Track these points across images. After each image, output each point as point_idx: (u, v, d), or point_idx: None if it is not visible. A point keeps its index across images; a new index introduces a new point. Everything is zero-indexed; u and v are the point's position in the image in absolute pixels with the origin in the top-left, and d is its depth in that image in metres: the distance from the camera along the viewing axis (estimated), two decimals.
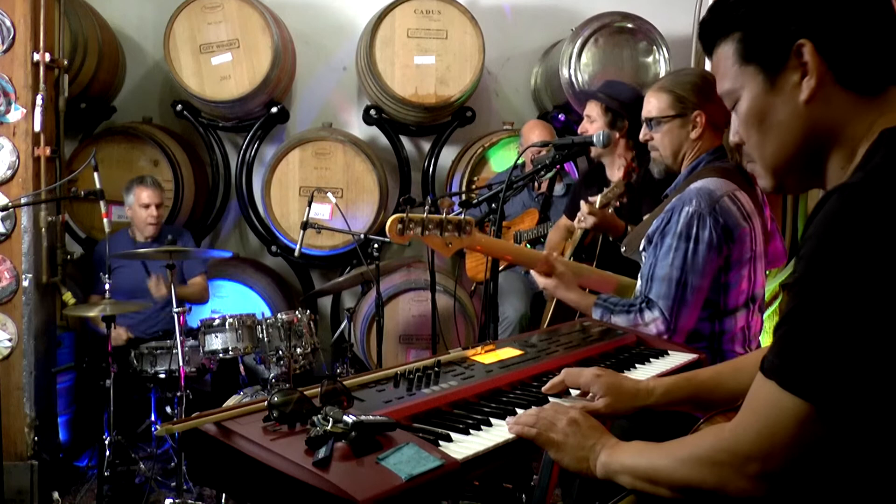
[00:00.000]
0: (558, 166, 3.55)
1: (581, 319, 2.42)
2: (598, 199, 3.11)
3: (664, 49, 4.69)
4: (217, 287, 4.77)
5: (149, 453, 4.01)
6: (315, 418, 1.26)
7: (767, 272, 2.63)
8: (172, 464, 3.97)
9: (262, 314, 4.12)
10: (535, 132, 4.43)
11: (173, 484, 3.72)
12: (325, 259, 5.10)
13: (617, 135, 3.37)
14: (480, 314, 3.97)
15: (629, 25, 4.72)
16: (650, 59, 4.73)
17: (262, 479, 1.21)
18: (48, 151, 3.78)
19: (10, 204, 3.62)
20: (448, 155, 5.31)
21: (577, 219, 3.16)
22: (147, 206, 4.35)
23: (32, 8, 3.71)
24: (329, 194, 4.30)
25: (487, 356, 1.84)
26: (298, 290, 5.33)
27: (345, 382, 1.46)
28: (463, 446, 1.33)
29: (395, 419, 1.30)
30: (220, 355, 3.76)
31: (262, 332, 3.77)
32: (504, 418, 1.46)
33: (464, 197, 4.79)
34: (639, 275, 2.44)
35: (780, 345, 1.06)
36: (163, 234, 4.23)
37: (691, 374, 1.66)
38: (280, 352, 3.77)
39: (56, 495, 3.75)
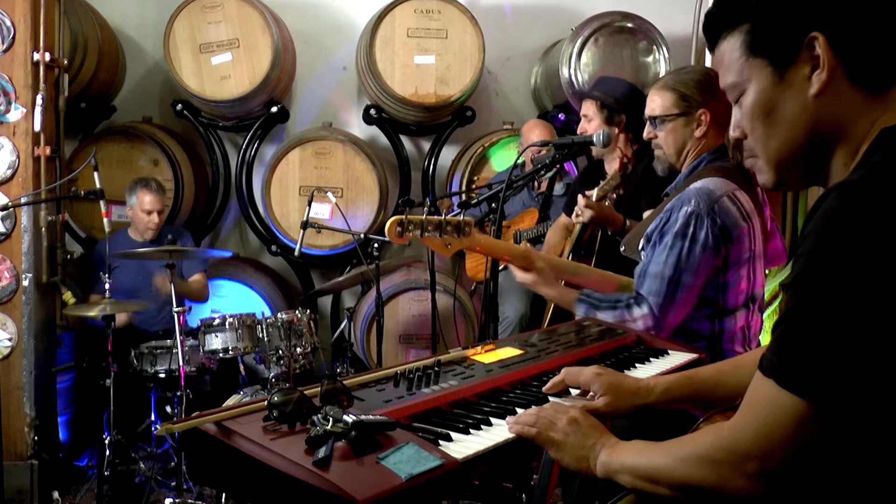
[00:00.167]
0: (558, 166, 3.55)
1: (581, 319, 2.42)
2: (594, 193, 3.11)
3: (664, 49, 4.69)
4: (217, 286, 4.77)
5: (149, 453, 4.01)
6: (315, 418, 1.26)
7: (767, 271, 2.63)
8: (172, 463, 3.97)
9: (262, 314, 4.12)
10: (536, 131, 4.43)
11: (173, 483, 3.72)
12: (325, 259, 5.10)
13: (616, 130, 3.37)
14: (480, 314, 3.98)
15: (629, 25, 4.72)
16: (650, 59, 4.73)
17: (262, 479, 1.21)
18: (48, 151, 3.78)
19: (10, 203, 3.62)
20: (448, 154, 5.31)
21: (574, 213, 3.16)
22: (149, 213, 4.35)
23: (32, 7, 3.71)
24: (329, 194, 4.30)
25: (487, 356, 1.84)
26: (298, 289, 5.33)
27: (345, 382, 1.46)
28: (463, 446, 1.33)
29: (395, 419, 1.30)
30: (220, 355, 3.76)
31: (262, 332, 3.77)
32: (504, 418, 1.46)
33: (463, 197, 4.81)
34: (635, 272, 2.44)
35: (778, 343, 1.06)
36: (163, 234, 4.23)
37: (691, 372, 1.66)
38: (280, 351, 3.77)
39: (56, 495, 3.75)
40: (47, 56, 3.75)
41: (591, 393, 1.58)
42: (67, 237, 4.37)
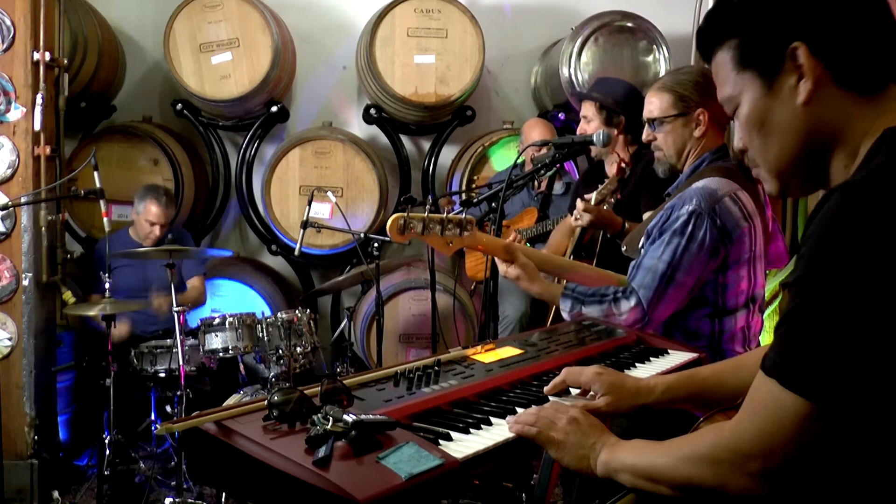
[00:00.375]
0: (558, 165, 3.55)
1: (581, 318, 2.41)
2: (593, 196, 3.12)
3: (664, 48, 4.69)
4: (217, 286, 4.77)
5: (149, 452, 4.01)
6: (315, 417, 1.26)
7: (768, 272, 2.63)
8: (172, 463, 3.97)
9: (262, 313, 4.12)
10: (536, 131, 4.43)
11: (173, 483, 3.72)
12: (324, 258, 5.10)
13: (615, 131, 3.37)
14: (480, 313, 3.97)
15: (629, 24, 4.72)
16: (650, 59, 4.73)
17: (263, 478, 1.20)
18: (48, 150, 3.78)
19: (10, 203, 3.62)
20: (448, 154, 5.31)
21: (573, 217, 3.16)
22: (152, 224, 4.34)
23: (32, 7, 3.71)
24: (329, 193, 4.30)
25: (487, 355, 1.84)
26: (298, 289, 5.33)
27: (345, 381, 1.45)
28: (463, 445, 1.33)
29: (395, 418, 1.30)
30: (220, 354, 3.76)
31: (262, 332, 3.78)
32: (504, 417, 1.46)
33: (464, 196, 4.81)
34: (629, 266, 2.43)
35: (780, 343, 1.06)
36: (161, 240, 4.24)
37: (692, 372, 1.66)
38: (280, 351, 3.77)
39: (56, 494, 3.75)
40: (47, 55, 3.76)
41: (591, 392, 1.58)
42: (67, 237, 4.37)
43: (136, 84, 5.31)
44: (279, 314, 3.86)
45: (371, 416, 1.28)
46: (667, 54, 4.68)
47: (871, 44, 1.14)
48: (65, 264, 3.99)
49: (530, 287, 2.40)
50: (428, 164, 5.30)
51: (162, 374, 3.95)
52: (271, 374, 3.78)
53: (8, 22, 3.69)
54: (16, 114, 3.73)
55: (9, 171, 3.72)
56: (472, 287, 4.79)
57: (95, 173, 3.48)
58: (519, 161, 4.01)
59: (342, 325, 4.41)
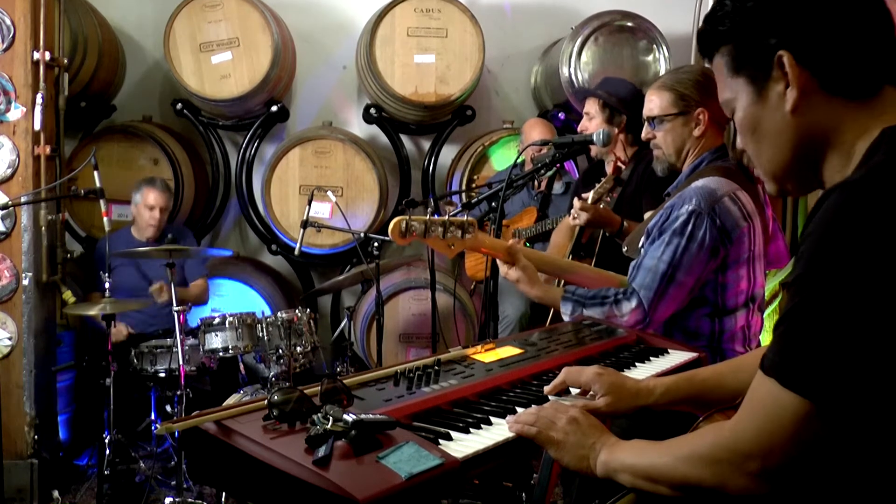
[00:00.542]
0: (558, 165, 3.55)
1: (581, 318, 2.41)
2: (590, 195, 3.13)
3: (664, 48, 4.69)
4: (217, 286, 4.78)
5: (149, 452, 4.01)
6: (315, 417, 1.26)
7: (768, 272, 2.62)
8: (172, 462, 3.97)
9: (262, 313, 4.12)
10: (537, 130, 4.43)
11: (173, 483, 3.72)
12: (324, 258, 5.10)
13: (616, 130, 3.38)
14: (480, 313, 3.97)
15: (629, 24, 4.72)
16: (650, 58, 4.73)
17: (263, 478, 1.21)
18: (48, 150, 3.78)
19: (10, 202, 3.62)
20: (448, 153, 5.31)
21: (571, 216, 3.16)
22: (151, 209, 4.36)
23: (32, 6, 3.71)
24: (329, 193, 4.30)
25: (487, 355, 1.84)
26: (298, 288, 5.33)
27: (345, 381, 1.45)
28: (463, 445, 1.33)
29: (394, 418, 1.30)
30: (220, 354, 3.76)
31: (262, 331, 3.78)
32: (504, 417, 1.46)
33: (464, 197, 4.81)
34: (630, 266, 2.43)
35: (779, 342, 1.06)
36: (164, 233, 4.24)
37: (691, 373, 1.66)
38: (280, 350, 3.77)
39: (56, 494, 3.75)
40: (47, 55, 3.75)
41: (591, 392, 1.59)
42: (67, 236, 4.37)
43: (136, 84, 5.31)
44: (279, 314, 3.86)
45: (371, 415, 1.28)
46: (667, 54, 4.69)
47: (858, 51, 1.14)
48: (65, 264, 3.99)
49: (530, 290, 2.40)
50: (428, 163, 5.30)
51: (162, 374, 3.95)
52: (271, 373, 3.78)
53: (8, 21, 3.69)
54: (16, 113, 3.73)
55: (9, 171, 3.72)
56: (472, 287, 4.79)
57: (95, 173, 3.48)
58: (519, 161, 4.01)
59: (342, 325, 4.41)
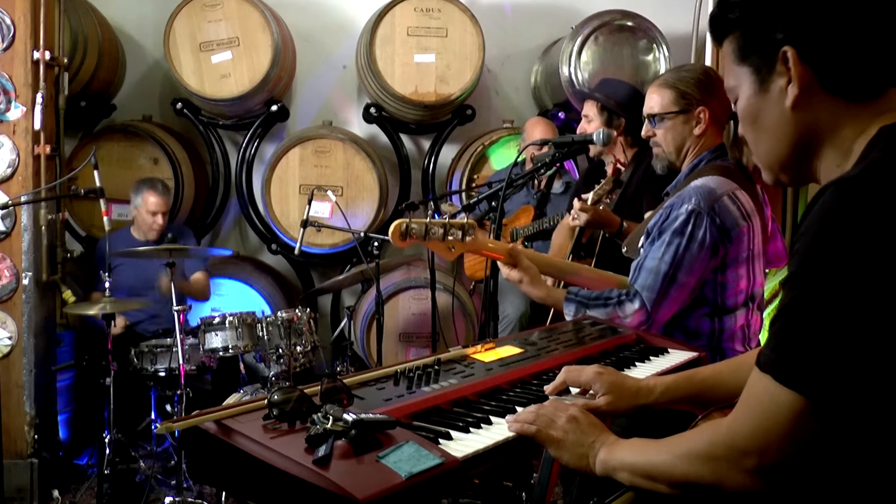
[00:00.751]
0: (558, 164, 3.56)
1: (582, 317, 2.41)
2: (589, 197, 3.13)
3: (664, 47, 4.69)
4: (217, 285, 4.77)
5: (149, 451, 4.01)
6: (315, 416, 1.26)
7: (768, 271, 2.63)
8: (172, 462, 3.97)
9: (262, 312, 4.12)
10: (538, 129, 4.44)
11: (173, 482, 3.72)
12: (324, 257, 5.10)
13: (615, 132, 3.37)
14: (480, 312, 3.98)
15: (629, 23, 4.72)
16: (650, 58, 4.73)
17: (263, 477, 1.21)
18: (48, 149, 3.78)
19: (10, 202, 3.62)
20: (448, 153, 5.31)
21: (570, 217, 3.17)
22: (154, 214, 4.35)
23: (32, 6, 3.71)
24: (329, 192, 4.30)
25: (487, 354, 1.84)
26: (298, 288, 5.33)
27: (345, 380, 1.46)
28: (463, 444, 1.33)
29: (395, 417, 1.30)
30: (221, 353, 3.77)
31: (262, 331, 3.78)
32: (504, 416, 1.46)
33: (464, 197, 4.81)
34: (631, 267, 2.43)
35: (775, 339, 1.06)
36: (164, 233, 4.24)
37: (691, 372, 1.66)
38: (280, 350, 3.77)
39: (56, 493, 3.75)
40: (47, 54, 3.75)
41: (590, 391, 1.59)
42: (67, 236, 4.37)
43: (136, 83, 5.31)
44: (279, 313, 3.86)
45: (371, 415, 1.28)
46: (667, 53, 4.69)
47: (864, 53, 1.13)
48: (65, 263, 3.99)
49: (532, 291, 2.41)
50: (428, 163, 5.30)
51: (162, 373, 3.95)
52: (271, 373, 3.78)
53: (8, 21, 3.69)
54: (16, 113, 3.73)
55: (9, 170, 3.72)
56: (472, 286, 4.79)
57: (95, 172, 3.48)
58: (519, 160, 4.01)
59: (342, 325, 4.41)
